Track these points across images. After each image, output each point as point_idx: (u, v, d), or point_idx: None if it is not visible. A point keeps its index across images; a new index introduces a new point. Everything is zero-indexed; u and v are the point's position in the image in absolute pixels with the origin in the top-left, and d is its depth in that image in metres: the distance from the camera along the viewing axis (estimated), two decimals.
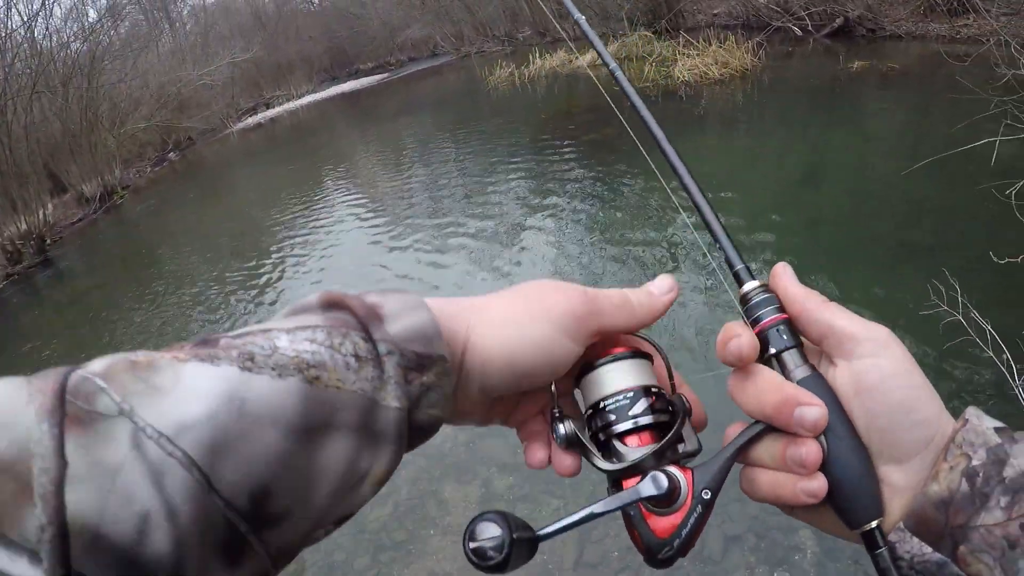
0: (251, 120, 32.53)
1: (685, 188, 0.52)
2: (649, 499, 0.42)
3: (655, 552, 0.43)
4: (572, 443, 0.46)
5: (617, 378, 0.46)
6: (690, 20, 14.87)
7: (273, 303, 6.30)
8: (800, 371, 0.44)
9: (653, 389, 0.47)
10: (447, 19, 26.30)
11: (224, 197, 15.24)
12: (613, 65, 0.61)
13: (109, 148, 21.66)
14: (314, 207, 9.60)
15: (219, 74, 30.20)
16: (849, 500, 0.42)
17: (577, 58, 13.21)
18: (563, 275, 4.90)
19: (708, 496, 0.43)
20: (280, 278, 6.89)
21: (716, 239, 0.50)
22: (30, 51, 18.41)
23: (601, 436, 0.46)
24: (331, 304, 0.41)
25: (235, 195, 14.97)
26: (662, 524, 0.43)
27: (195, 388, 0.33)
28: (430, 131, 12.70)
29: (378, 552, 2.96)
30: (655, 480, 0.42)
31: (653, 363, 0.49)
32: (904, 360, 0.42)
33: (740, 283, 0.48)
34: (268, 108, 35.02)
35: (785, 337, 0.45)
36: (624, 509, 0.43)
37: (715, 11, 14.80)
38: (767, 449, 0.44)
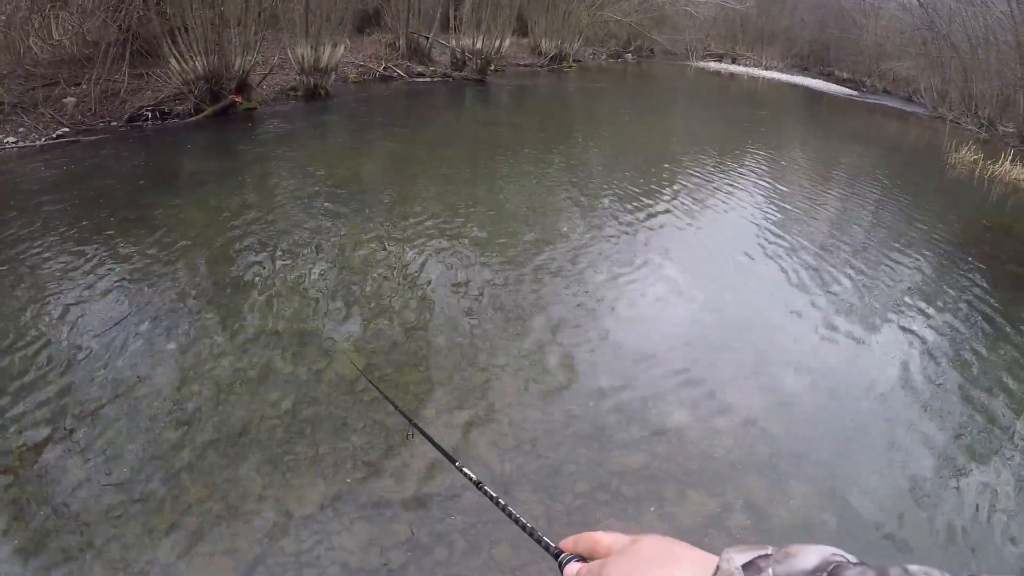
0: (712, 64, 33.37)
1: None
2: None
3: None
4: None
5: None
6: None
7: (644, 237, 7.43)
8: None
9: None
10: (939, 73, 23.96)
11: (658, 114, 16.52)
12: None
13: (580, 22, 23.49)
14: (724, 173, 10.21)
15: (705, 10, 30.95)
16: None
17: None
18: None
19: None
20: (655, 215, 7.62)
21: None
22: None
23: None
24: None
25: (664, 119, 16.08)
26: None
27: None
28: (867, 171, 12.06)
29: None
30: None
31: None
32: None
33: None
34: (733, 62, 35.58)
35: None
36: None
37: None
38: None
